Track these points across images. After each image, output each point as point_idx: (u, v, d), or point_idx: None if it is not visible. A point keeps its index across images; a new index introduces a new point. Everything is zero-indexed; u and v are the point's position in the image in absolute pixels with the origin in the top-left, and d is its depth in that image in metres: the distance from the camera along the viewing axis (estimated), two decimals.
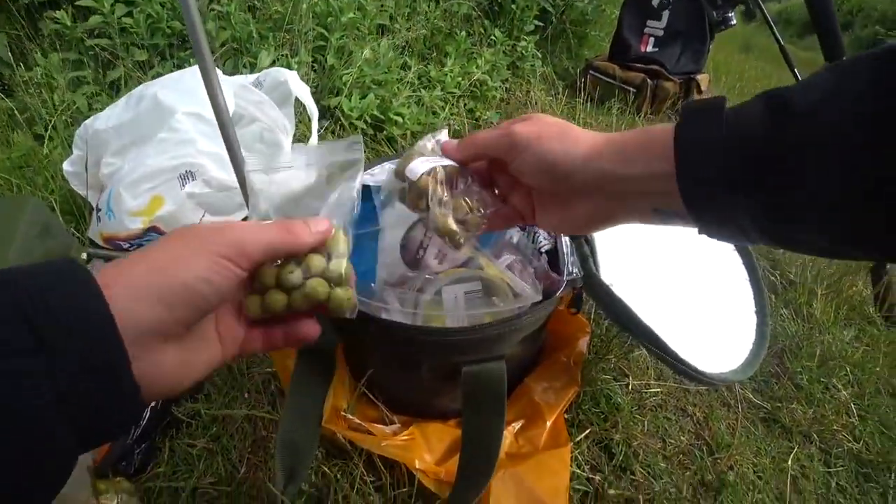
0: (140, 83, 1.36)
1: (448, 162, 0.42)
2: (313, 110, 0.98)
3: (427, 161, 0.42)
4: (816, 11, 1.00)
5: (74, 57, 1.38)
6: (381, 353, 0.58)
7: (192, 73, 0.89)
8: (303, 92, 0.94)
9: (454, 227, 0.41)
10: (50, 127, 1.22)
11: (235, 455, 0.65)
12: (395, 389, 0.62)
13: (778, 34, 1.57)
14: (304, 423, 0.54)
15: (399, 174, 0.43)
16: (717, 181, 0.29)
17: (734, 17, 1.73)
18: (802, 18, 18.74)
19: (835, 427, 0.85)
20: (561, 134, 0.35)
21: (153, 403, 0.70)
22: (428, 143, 0.44)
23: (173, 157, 0.76)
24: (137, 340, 0.24)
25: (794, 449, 0.80)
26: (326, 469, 0.59)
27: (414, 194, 0.41)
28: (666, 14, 1.91)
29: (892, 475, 0.81)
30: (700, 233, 0.32)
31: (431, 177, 0.40)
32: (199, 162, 0.76)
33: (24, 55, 1.42)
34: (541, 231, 0.66)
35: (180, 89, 0.82)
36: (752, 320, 0.62)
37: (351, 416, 0.58)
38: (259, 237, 0.29)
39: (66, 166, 0.97)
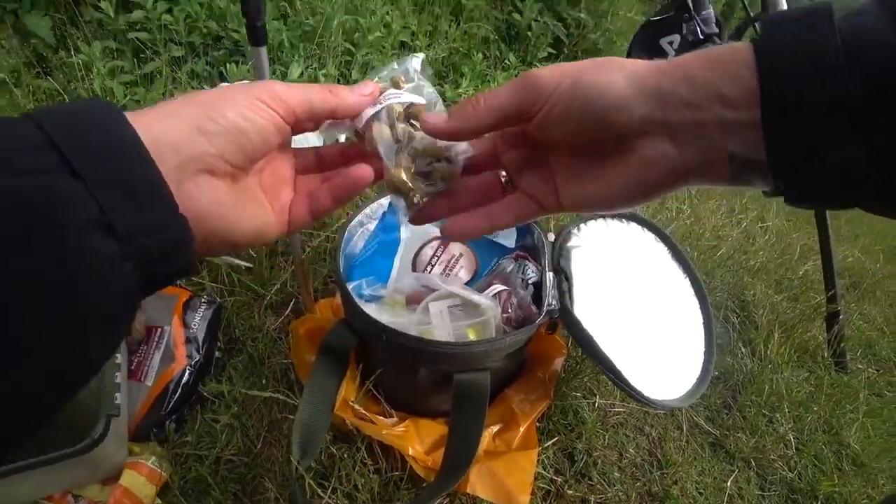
0: (173, 78, 1.46)
1: (416, 99, 0.33)
2: None
3: (386, 99, 0.32)
4: None
5: (114, 46, 1.47)
6: (388, 357, 0.69)
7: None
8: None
9: (405, 178, 0.31)
10: None
11: (253, 432, 0.76)
12: (396, 389, 0.73)
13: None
14: (319, 409, 0.66)
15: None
16: (828, 109, 0.21)
17: None
18: None
19: (772, 456, 0.97)
20: (597, 65, 0.27)
21: (185, 377, 0.81)
22: (396, 70, 0.35)
23: None
24: (181, 168, 0.23)
25: (734, 472, 0.92)
26: (333, 450, 0.71)
27: (366, 144, 0.32)
28: (672, 54, 2.03)
29: (819, 503, 0.93)
30: (787, 197, 0.24)
31: (380, 121, 0.32)
32: None
33: (64, 39, 1.52)
34: (531, 264, 0.77)
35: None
36: (700, 358, 0.74)
37: (358, 407, 0.69)
38: (297, 90, 0.29)
39: None
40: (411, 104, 0.33)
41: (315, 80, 1.44)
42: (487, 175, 0.34)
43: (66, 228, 0.18)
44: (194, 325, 0.92)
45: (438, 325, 0.64)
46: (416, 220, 0.33)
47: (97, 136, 0.20)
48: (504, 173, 0.33)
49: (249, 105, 0.26)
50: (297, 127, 0.30)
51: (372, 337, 0.65)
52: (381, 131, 0.31)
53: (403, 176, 0.31)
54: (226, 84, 1.24)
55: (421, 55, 0.37)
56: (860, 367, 1.28)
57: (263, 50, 0.56)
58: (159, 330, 0.89)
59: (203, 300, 0.96)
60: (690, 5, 1.57)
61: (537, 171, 0.31)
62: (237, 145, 0.26)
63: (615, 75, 0.26)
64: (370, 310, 0.64)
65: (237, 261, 1.09)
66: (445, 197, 0.33)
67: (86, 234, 0.18)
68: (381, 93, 0.33)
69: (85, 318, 0.19)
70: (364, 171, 0.31)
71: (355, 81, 1.53)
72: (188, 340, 0.90)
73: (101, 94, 1.35)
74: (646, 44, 2.07)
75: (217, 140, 0.25)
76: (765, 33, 0.23)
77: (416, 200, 0.32)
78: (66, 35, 1.52)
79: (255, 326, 1.03)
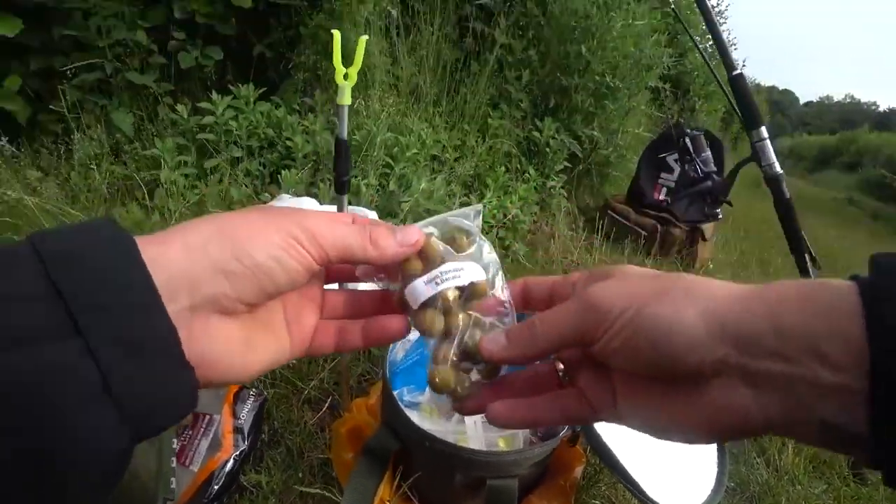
0: (230, 174, 1.66)
1: (475, 276, 0.30)
2: None
3: (440, 274, 0.29)
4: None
5: (182, 142, 1.69)
6: (428, 461, 0.77)
7: (309, 202, 1.17)
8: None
9: (451, 378, 0.29)
10: (157, 199, 1.50)
11: None
12: (431, 491, 0.80)
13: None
14: None
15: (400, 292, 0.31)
16: None
17: (720, 213, 1.96)
18: (812, 154, 19.70)
19: None
20: (662, 290, 0.24)
21: (229, 465, 0.89)
22: (451, 224, 0.32)
23: None
24: (194, 310, 0.22)
25: None
26: None
27: (417, 324, 0.30)
28: (676, 170, 2.22)
29: None
30: (886, 479, 0.21)
31: (434, 308, 0.29)
32: None
33: (141, 133, 1.75)
34: None
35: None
36: (714, 471, 0.80)
37: None
38: (337, 233, 0.26)
39: None
40: (473, 284, 0.30)
41: (357, 190, 1.62)
42: (541, 365, 0.31)
43: (65, 408, 0.18)
44: (242, 415, 1.01)
45: (473, 434, 0.73)
46: (463, 411, 0.30)
47: (106, 281, 0.19)
48: (561, 365, 0.30)
49: (282, 243, 0.24)
50: (330, 268, 0.29)
51: (413, 442, 0.73)
52: (434, 323, 0.29)
53: (450, 377, 0.29)
54: (270, 202, 1.40)
55: (480, 206, 0.33)
56: (879, 477, 1.28)
57: (345, 197, 0.71)
58: (207, 417, 0.97)
59: (252, 392, 1.05)
60: (690, 148, 1.78)
61: (597, 373, 0.28)
62: (259, 287, 0.24)
63: (685, 308, 0.23)
64: (412, 416, 0.73)
65: None
66: (492, 387, 0.30)
67: (83, 411, 0.18)
68: (427, 246, 0.30)
69: (79, 487, 0.19)
70: (400, 325, 0.30)
71: (392, 192, 1.72)
72: (236, 430, 0.98)
73: (167, 183, 1.53)
74: (652, 160, 2.28)
75: (239, 283, 0.23)
76: (876, 278, 0.20)
77: (459, 392, 0.29)
78: (143, 129, 1.76)
79: (294, 420, 1.11)
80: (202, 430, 0.95)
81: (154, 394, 0.20)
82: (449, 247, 0.30)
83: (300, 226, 0.25)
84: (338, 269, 0.30)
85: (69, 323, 0.18)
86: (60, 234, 0.20)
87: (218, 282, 0.23)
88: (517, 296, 0.31)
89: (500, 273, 0.32)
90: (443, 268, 0.29)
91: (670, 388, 0.24)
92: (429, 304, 0.29)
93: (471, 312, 0.30)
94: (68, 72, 1.63)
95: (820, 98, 57.18)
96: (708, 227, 2.18)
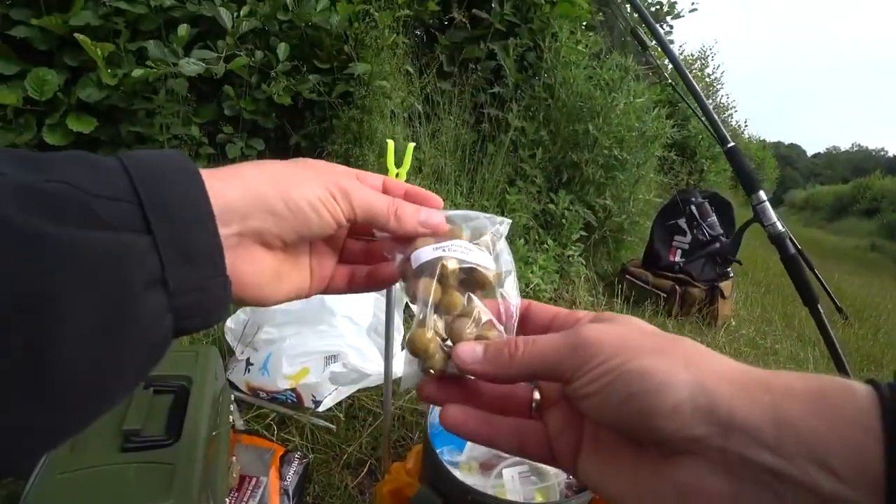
0: None
1: (486, 263, 0.29)
2: None
3: (449, 244, 0.29)
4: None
5: None
6: None
7: None
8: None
9: (430, 346, 0.28)
10: None
11: None
12: None
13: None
14: None
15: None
16: None
17: (732, 272, 2.04)
18: (828, 203, 19.55)
19: None
20: (659, 349, 0.23)
21: None
22: (481, 221, 0.31)
23: (327, 344, 1.10)
24: (241, 237, 0.26)
25: None
26: None
27: (411, 289, 0.30)
28: (687, 233, 2.31)
29: None
30: None
31: (432, 277, 0.29)
32: (344, 350, 1.10)
33: None
34: None
35: (341, 298, 1.20)
36: None
37: None
38: (367, 197, 0.29)
39: (228, 322, 1.33)
40: (477, 268, 0.29)
41: None
42: (521, 387, 0.29)
43: (132, 284, 0.21)
44: (288, 478, 1.07)
45: (511, 488, 0.78)
46: (425, 394, 0.29)
47: (175, 197, 0.23)
48: (538, 396, 0.29)
49: (322, 195, 0.28)
50: (354, 225, 0.31)
51: (455, 497, 0.79)
52: (427, 289, 0.28)
53: (429, 343, 0.27)
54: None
55: (509, 220, 0.32)
56: None
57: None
58: (254, 480, 1.02)
59: (297, 455, 1.11)
60: (696, 215, 1.89)
61: (568, 419, 0.26)
62: (297, 231, 0.27)
63: (677, 374, 0.21)
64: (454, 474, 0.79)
65: (322, 422, 1.26)
66: (461, 385, 0.29)
67: (144, 290, 0.21)
68: (448, 234, 0.30)
69: (120, 362, 0.21)
70: (389, 274, 0.33)
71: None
72: (282, 492, 1.03)
73: None
74: (664, 226, 2.39)
75: (282, 223, 0.27)
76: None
77: (430, 370, 0.28)
78: None
79: (335, 484, 1.16)
80: (249, 492, 1.00)
81: (197, 292, 0.23)
82: (468, 240, 0.30)
83: (337, 184, 0.28)
84: (361, 226, 0.32)
85: (144, 223, 0.21)
86: (143, 156, 0.23)
87: (264, 218, 0.26)
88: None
89: (514, 278, 0.31)
90: (452, 242, 0.30)
91: (640, 452, 0.23)
92: (426, 269, 0.29)
93: (470, 295, 0.29)
94: None
95: (827, 149, 57.52)
96: (726, 285, 2.23)
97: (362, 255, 0.35)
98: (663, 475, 0.22)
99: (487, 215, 0.32)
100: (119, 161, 0.23)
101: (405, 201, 0.31)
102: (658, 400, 0.21)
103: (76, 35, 1.57)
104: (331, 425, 1.26)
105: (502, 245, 0.31)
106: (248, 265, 0.26)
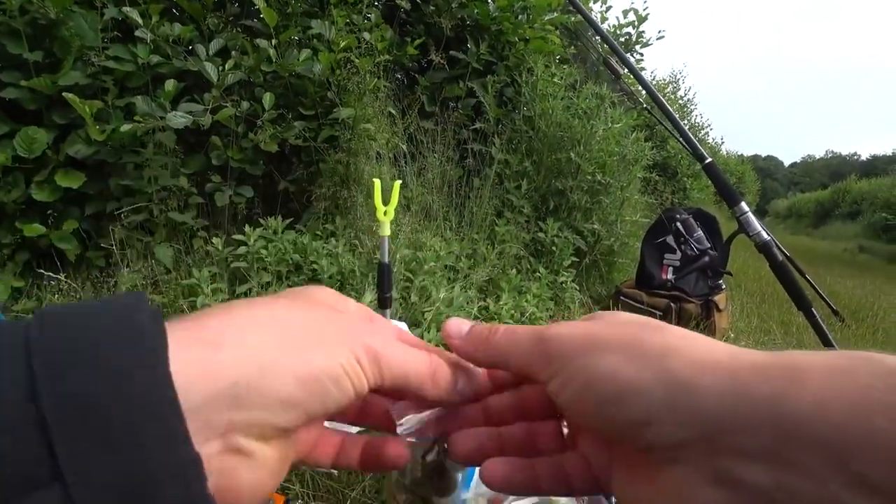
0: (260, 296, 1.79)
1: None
2: None
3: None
4: None
5: (216, 271, 1.85)
6: None
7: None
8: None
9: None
10: None
11: None
12: None
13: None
14: None
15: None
16: None
17: (724, 284, 2.07)
18: (811, 209, 19.87)
19: None
20: (628, 340, 0.20)
21: None
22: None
23: None
24: (227, 432, 0.18)
25: None
26: None
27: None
28: (677, 250, 2.34)
29: None
30: None
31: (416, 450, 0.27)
32: None
33: (178, 264, 1.91)
34: None
35: None
36: None
37: None
38: (400, 361, 0.23)
39: None
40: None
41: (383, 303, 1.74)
42: (542, 424, 0.26)
43: None
44: None
45: None
46: (453, 453, 0.26)
47: (110, 408, 0.14)
48: (566, 424, 0.26)
49: (347, 362, 0.21)
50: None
51: None
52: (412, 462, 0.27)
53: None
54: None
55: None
56: None
57: (388, 311, 0.81)
58: None
59: (298, 503, 1.08)
60: (682, 231, 1.92)
61: (597, 437, 0.24)
62: (308, 413, 0.20)
63: (647, 371, 0.19)
64: None
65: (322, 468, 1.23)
66: (489, 436, 0.26)
67: None
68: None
69: None
70: (401, 454, 0.25)
71: (414, 304, 1.84)
72: None
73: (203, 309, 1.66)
74: (653, 245, 2.41)
75: (290, 411, 0.19)
76: None
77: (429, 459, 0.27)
78: (181, 261, 1.93)
79: None
80: None
81: None
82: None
83: (368, 346, 0.22)
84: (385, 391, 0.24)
85: (49, 461, 0.14)
86: (66, 318, 0.15)
87: (269, 406, 0.19)
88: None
89: None
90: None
91: (646, 462, 0.20)
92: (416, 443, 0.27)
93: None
94: (120, 214, 1.86)
95: (803, 158, 58.73)
96: (720, 298, 2.24)
97: (355, 409, 0.27)
98: (657, 484, 0.19)
99: None
100: (23, 331, 0.15)
101: (442, 355, 0.25)
102: (627, 405, 0.19)
103: (65, 94, 1.61)
104: (332, 470, 1.22)
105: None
106: (231, 476, 0.18)
